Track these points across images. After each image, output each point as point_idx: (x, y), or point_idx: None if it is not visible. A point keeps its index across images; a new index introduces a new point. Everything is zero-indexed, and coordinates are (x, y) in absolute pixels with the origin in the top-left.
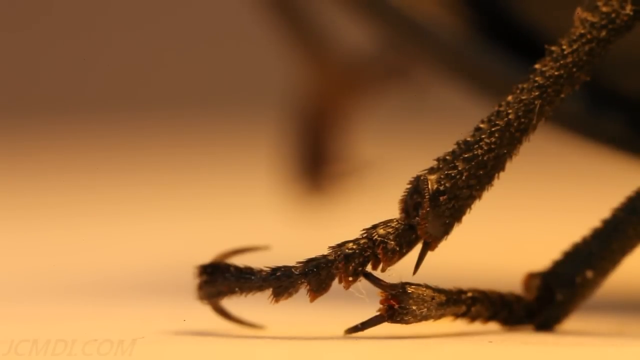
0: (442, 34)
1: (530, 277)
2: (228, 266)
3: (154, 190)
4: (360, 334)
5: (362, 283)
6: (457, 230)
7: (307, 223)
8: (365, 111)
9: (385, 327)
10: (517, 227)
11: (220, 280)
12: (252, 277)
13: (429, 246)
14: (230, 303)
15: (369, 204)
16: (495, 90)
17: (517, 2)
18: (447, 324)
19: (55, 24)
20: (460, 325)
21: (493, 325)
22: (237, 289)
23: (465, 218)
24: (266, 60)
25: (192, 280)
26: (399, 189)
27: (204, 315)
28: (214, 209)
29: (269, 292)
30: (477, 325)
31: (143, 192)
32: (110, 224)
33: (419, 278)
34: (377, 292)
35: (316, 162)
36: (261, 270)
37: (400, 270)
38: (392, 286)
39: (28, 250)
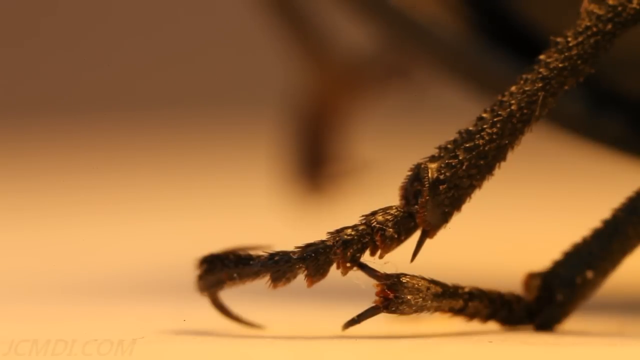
0: (442, 34)
1: (530, 277)
2: (227, 254)
3: (154, 190)
4: (359, 333)
5: (360, 275)
6: (458, 231)
7: (306, 223)
8: (365, 111)
9: (385, 327)
10: (517, 227)
11: (219, 267)
12: (251, 262)
13: (427, 234)
14: (230, 302)
15: (368, 204)
16: (495, 90)
17: (517, 2)
18: (447, 324)
19: (55, 24)
20: (460, 325)
21: (493, 325)
22: (236, 276)
23: (465, 218)
24: (266, 60)
25: (192, 280)
26: (398, 189)
27: (204, 315)
28: (214, 209)
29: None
30: (477, 325)
31: (143, 192)
32: (110, 224)
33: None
34: (373, 283)
35: (315, 162)
36: (259, 256)
37: (396, 263)
38: (387, 276)
39: (28, 250)
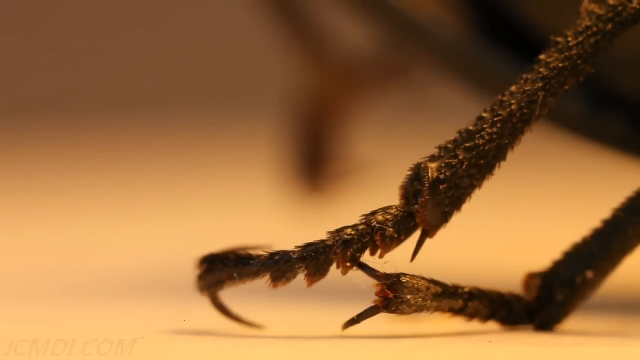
0: (442, 34)
1: (530, 277)
2: (227, 254)
3: (154, 190)
4: (359, 333)
5: (360, 275)
6: (458, 231)
7: (306, 223)
8: (365, 111)
9: (386, 327)
10: (517, 227)
11: (219, 267)
12: (251, 262)
13: (427, 234)
14: (230, 302)
15: (368, 204)
16: (495, 90)
17: (517, 2)
18: (447, 324)
19: (55, 24)
20: (460, 325)
21: (493, 325)
22: (236, 275)
23: (465, 218)
24: (266, 60)
25: (192, 280)
26: (398, 189)
27: (204, 315)
28: (214, 209)
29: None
30: (477, 325)
31: (143, 192)
32: (109, 224)
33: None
34: (373, 283)
35: (315, 162)
36: (259, 256)
37: (396, 263)
38: (387, 276)
39: (28, 250)
